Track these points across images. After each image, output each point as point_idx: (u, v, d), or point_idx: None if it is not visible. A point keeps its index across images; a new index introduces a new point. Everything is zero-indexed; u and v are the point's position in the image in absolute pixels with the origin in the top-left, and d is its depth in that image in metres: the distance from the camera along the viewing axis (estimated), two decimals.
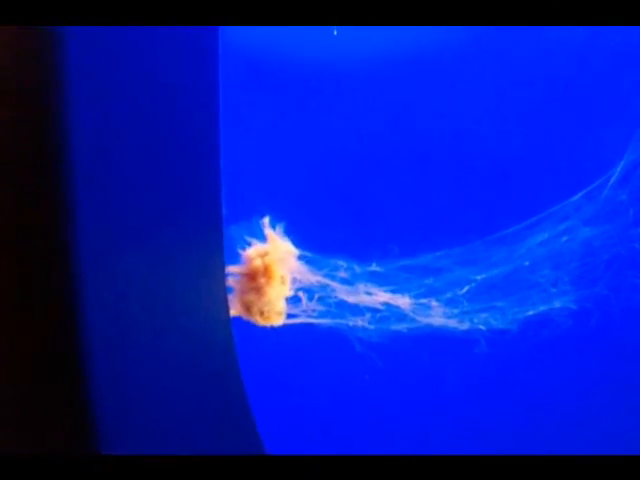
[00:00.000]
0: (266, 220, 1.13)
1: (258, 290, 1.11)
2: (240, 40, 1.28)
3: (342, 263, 1.17)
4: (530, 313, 1.17)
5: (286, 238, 1.15)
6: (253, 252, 1.13)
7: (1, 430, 0.73)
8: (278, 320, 1.13)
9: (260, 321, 1.11)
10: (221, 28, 0.94)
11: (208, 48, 0.93)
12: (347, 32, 1.33)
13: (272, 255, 1.13)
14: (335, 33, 1.35)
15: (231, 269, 1.11)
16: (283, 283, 1.12)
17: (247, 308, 1.11)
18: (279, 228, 1.14)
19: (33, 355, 0.72)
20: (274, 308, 1.11)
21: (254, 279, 1.12)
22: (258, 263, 1.12)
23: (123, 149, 0.79)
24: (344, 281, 1.17)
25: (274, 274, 1.12)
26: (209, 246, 0.96)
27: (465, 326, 1.17)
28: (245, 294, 1.11)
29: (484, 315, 1.17)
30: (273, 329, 1.14)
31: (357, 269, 1.17)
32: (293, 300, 1.15)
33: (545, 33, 1.33)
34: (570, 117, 1.36)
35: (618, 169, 1.15)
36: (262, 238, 1.14)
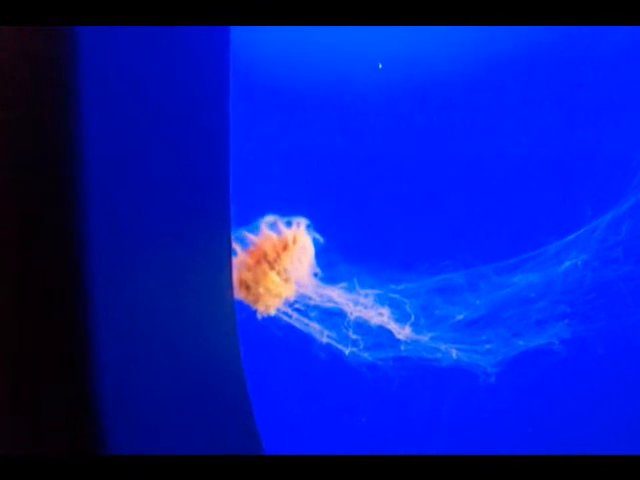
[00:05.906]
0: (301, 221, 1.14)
1: (258, 272, 1.11)
2: (253, 45, 1.29)
3: (346, 275, 1.18)
4: (523, 347, 1.18)
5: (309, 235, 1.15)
6: (271, 237, 1.13)
7: (6, 431, 0.73)
8: (265, 309, 1.12)
9: (246, 300, 1.11)
10: (233, 31, 0.93)
11: (219, 51, 0.92)
12: (357, 36, 1.34)
13: (283, 248, 1.12)
14: (380, 67, 1.35)
15: (245, 234, 1.11)
16: (282, 278, 1.11)
17: (239, 284, 1.10)
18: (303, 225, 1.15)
19: (40, 358, 0.72)
20: (264, 297, 1.11)
21: (258, 260, 1.11)
22: (267, 247, 1.11)
23: (133, 153, 0.78)
24: (348, 292, 1.18)
25: (274, 264, 1.11)
26: (217, 255, 0.96)
27: (458, 357, 1.18)
28: (243, 271, 1.11)
29: (476, 347, 1.18)
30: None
31: (359, 288, 1.18)
32: (296, 307, 1.16)
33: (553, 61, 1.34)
34: (573, 151, 1.36)
35: (616, 210, 1.16)
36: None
